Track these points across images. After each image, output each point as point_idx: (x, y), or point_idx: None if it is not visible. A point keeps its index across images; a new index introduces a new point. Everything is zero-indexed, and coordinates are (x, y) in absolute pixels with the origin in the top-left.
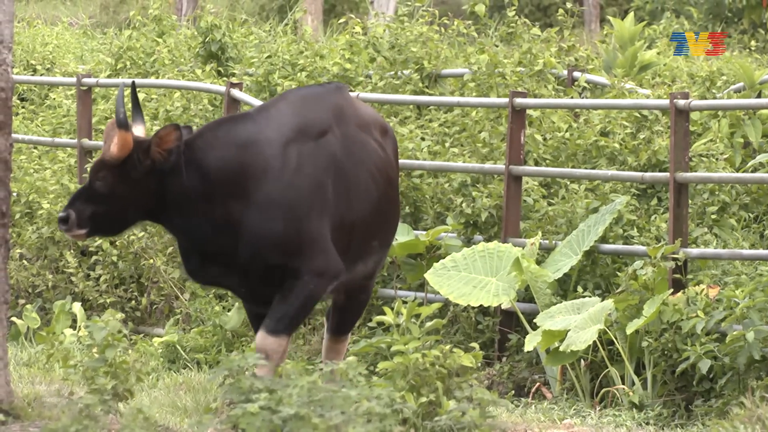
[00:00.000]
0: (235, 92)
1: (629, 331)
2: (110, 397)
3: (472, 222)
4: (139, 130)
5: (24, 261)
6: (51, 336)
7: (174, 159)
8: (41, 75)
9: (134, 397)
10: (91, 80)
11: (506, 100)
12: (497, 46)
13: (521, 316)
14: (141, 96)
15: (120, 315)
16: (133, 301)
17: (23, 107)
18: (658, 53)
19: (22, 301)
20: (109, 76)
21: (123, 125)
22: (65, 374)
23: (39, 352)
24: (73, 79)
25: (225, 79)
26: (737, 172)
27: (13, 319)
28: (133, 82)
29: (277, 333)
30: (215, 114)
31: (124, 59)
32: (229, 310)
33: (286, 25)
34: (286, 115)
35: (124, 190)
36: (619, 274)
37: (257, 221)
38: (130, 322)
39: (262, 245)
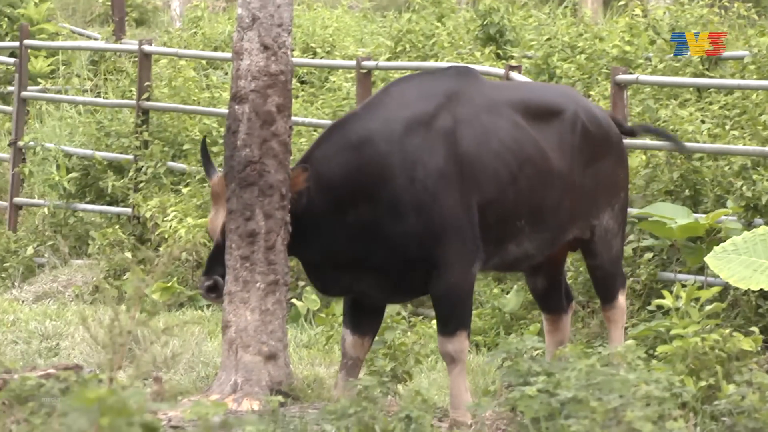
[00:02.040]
0: (514, 75)
1: None
2: (389, 379)
3: (752, 205)
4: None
5: None
6: (330, 318)
7: (305, 201)
8: (321, 58)
9: (413, 379)
10: (371, 63)
11: None
12: None
13: None
14: None
15: None
16: None
17: (303, 90)
18: None
19: (302, 283)
20: (388, 59)
21: None
22: None
23: (318, 333)
24: (353, 62)
25: (504, 62)
26: None
27: (294, 300)
28: (204, 138)
29: (451, 334)
30: None
31: (404, 42)
32: (507, 293)
33: (566, 7)
34: (392, 108)
35: None
36: None
37: (389, 219)
38: (409, 304)
39: (398, 242)
